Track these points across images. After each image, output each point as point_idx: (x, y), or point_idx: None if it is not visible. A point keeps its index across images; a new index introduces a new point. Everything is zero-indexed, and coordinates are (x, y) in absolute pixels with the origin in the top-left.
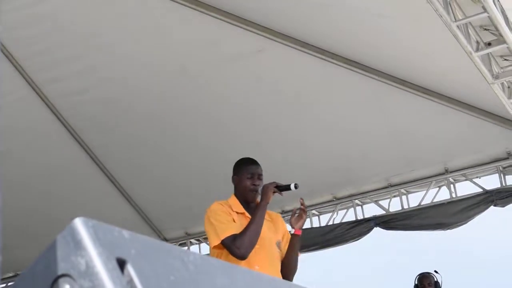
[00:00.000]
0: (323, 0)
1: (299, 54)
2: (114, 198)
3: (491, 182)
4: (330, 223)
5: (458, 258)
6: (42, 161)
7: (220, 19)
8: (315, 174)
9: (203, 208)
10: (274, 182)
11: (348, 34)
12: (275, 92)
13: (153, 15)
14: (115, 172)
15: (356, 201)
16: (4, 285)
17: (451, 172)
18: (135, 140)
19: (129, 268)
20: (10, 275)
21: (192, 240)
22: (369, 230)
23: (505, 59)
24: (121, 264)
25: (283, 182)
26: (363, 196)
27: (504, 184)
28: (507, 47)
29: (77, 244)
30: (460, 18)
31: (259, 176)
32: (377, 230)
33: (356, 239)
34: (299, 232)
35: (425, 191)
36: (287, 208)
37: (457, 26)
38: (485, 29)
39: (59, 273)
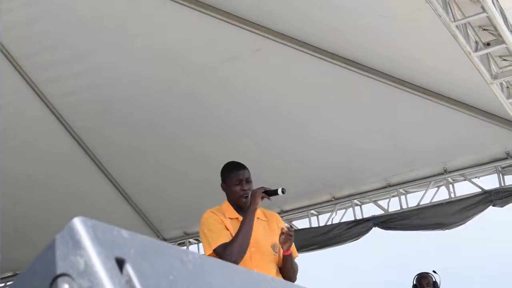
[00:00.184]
0: (321, 0)
1: (298, 53)
2: (113, 198)
3: (490, 182)
4: (329, 223)
5: (457, 258)
6: (41, 160)
7: (220, 19)
8: (314, 174)
9: (201, 207)
10: (262, 187)
11: (347, 34)
12: (274, 91)
13: (152, 15)
14: (114, 172)
15: (355, 201)
16: (3, 284)
17: (450, 172)
18: (134, 140)
19: (128, 267)
20: (9, 274)
21: (191, 240)
22: (368, 230)
23: (504, 59)
24: (120, 263)
25: (282, 182)
26: (362, 196)
27: (503, 184)
28: (506, 47)
29: (76, 244)
30: (459, 18)
31: (247, 180)
32: (376, 230)
33: (354, 239)
34: (288, 253)
35: (424, 191)
36: (286, 208)
37: (456, 26)
38: (484, 29)
39: (58, 272)
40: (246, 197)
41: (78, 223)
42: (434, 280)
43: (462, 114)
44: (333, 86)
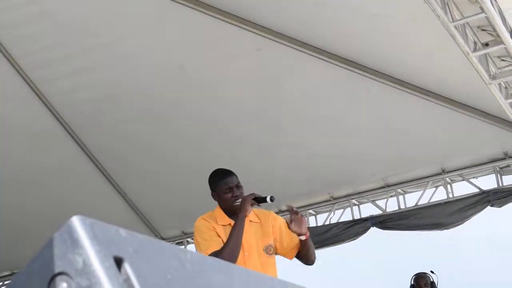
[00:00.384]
0: (321, 0)
1: (297, 53)
2: (111, 197)
3: (487, 182)
4: (327, 222)
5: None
6: (39, 159)
7: (220, 19)
8: (312, 174)
9: (199, 207)
10: (252, 194)
11: (346, 34)
12: (273, 91)
13: (151, 14)
14: (112, 171)
15: (353, 200)
16: (0, 283)
17: (448, 172)
18: (132, 139)
19: (126, 266)
20: (7, 273)
21: (189, 239)
22: (365, 230)
23: (503, 60)
24: (118, 262)
25: (282, 182)
26: (360, 196)
27: (500, 185)
28: (505, 48)
29: (74, 242)
30: (458, 18)
31: (237, 185)
32: (373, 230)
33: (352, 239)
34: (307, 236)
35: (422, 191)
36: (284, 207)
37: (455, 27)
38: (483, 30)
39: (56, 271)
40: (239, 201)
41: (76, 221)
42: (431, 280)
43: (460, 114)
44: (332, 86)
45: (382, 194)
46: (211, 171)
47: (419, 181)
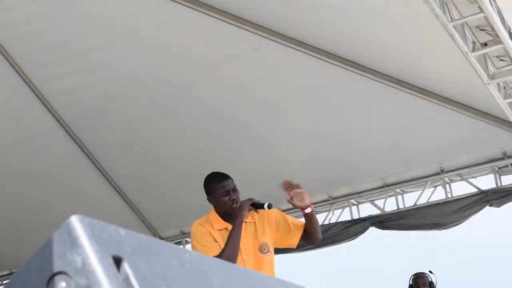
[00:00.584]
0: (320, 0)
1: (297, 53)
2: (110, 197)
3: (486, 182)
4: (326, 222)
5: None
6: (38, 159)
7: (219, 19)
8: (311, 173)
9: (198, 207)
10: (250, 199)
11: (344, 33)
12: (272, 91)
13: (152, 14)
14: (111, 170)
15: (352, 200)
16: None
17: (446, 172)
18: (131, 139)
19: (125, 265)
20: (5, 273)
21: (188, 239)
22: (364, 229)
23: (501, 60)
24: (117, 261)
25: (280, 181)
26: (359, 195)
27: (499, 184)
28: (503, 48)
29: (73, 242)
30: (457, 18)
31: (234, 188)
32: (372, 230)
33: (351, 238)
34: (312, 207)
35: (420, 191)
36: (283, 207)
37: (454, 26)
38: (481, 30)
39: (55, 270)
40: (237, 204)
41: (75, 221)
42: (430, 280)
43: (459, 114)
44: (331, 85)
45: (381, 194)
46: (210, 171)
47: (418, 181)
